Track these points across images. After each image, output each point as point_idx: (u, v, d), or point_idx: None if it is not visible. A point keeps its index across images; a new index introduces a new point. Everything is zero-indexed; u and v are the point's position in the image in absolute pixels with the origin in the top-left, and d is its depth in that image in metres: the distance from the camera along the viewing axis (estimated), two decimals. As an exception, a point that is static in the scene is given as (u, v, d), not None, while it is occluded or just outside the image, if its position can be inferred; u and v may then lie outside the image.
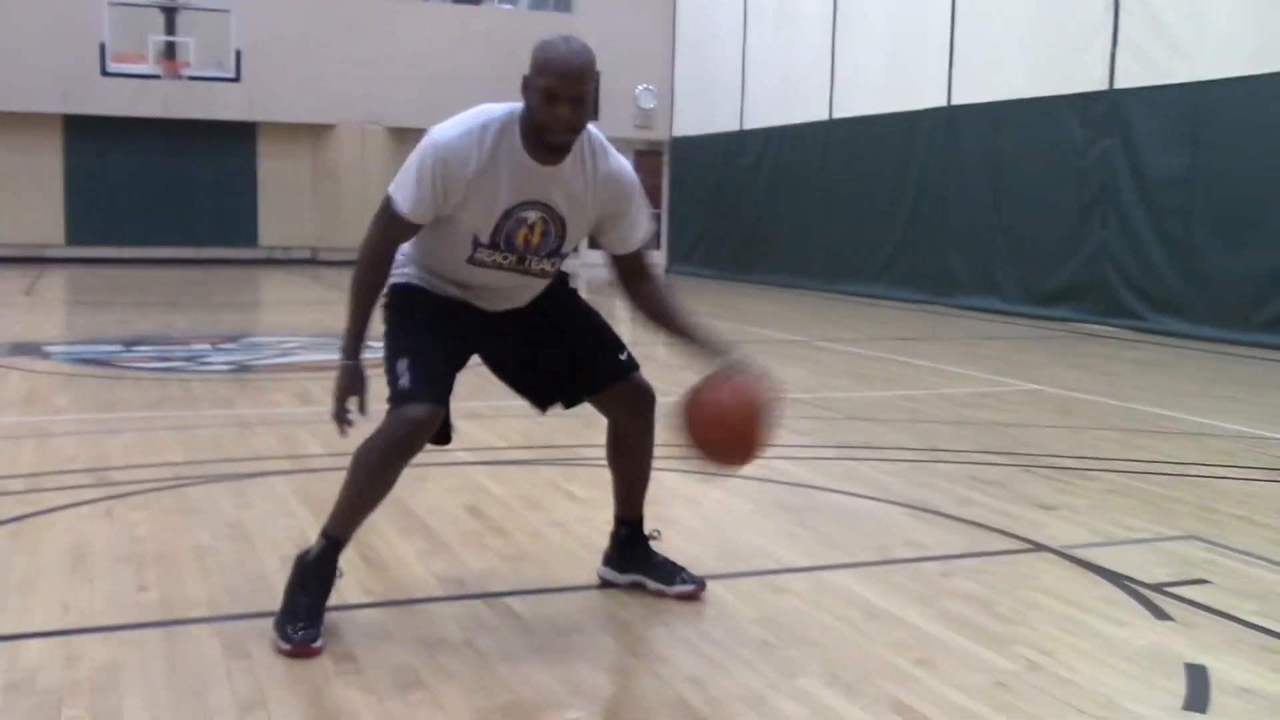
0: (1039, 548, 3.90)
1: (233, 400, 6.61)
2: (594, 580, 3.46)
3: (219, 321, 11.29)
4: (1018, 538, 4.02)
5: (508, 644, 2.95)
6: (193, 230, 20.45)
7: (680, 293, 3.29)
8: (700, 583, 3.33)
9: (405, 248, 3.11)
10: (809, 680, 2.75)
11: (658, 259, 20.93)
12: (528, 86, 2.89)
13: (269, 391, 6.90)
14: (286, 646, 2.88)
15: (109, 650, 2.86)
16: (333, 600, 3.16)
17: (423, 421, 2.98)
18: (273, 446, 5.28)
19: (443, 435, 3.09)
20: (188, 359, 8.32)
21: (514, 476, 4.79)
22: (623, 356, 3.27)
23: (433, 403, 3.00)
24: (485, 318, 3.18)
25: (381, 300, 3.12)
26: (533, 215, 2.98)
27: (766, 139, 18.01)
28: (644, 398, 3.28)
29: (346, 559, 3.38)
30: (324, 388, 7.09)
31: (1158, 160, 11.50)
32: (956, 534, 4.07)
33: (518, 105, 2.95)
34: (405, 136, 21.23)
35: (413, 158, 2.94)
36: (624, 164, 3.10)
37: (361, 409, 3.04)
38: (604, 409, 3.32)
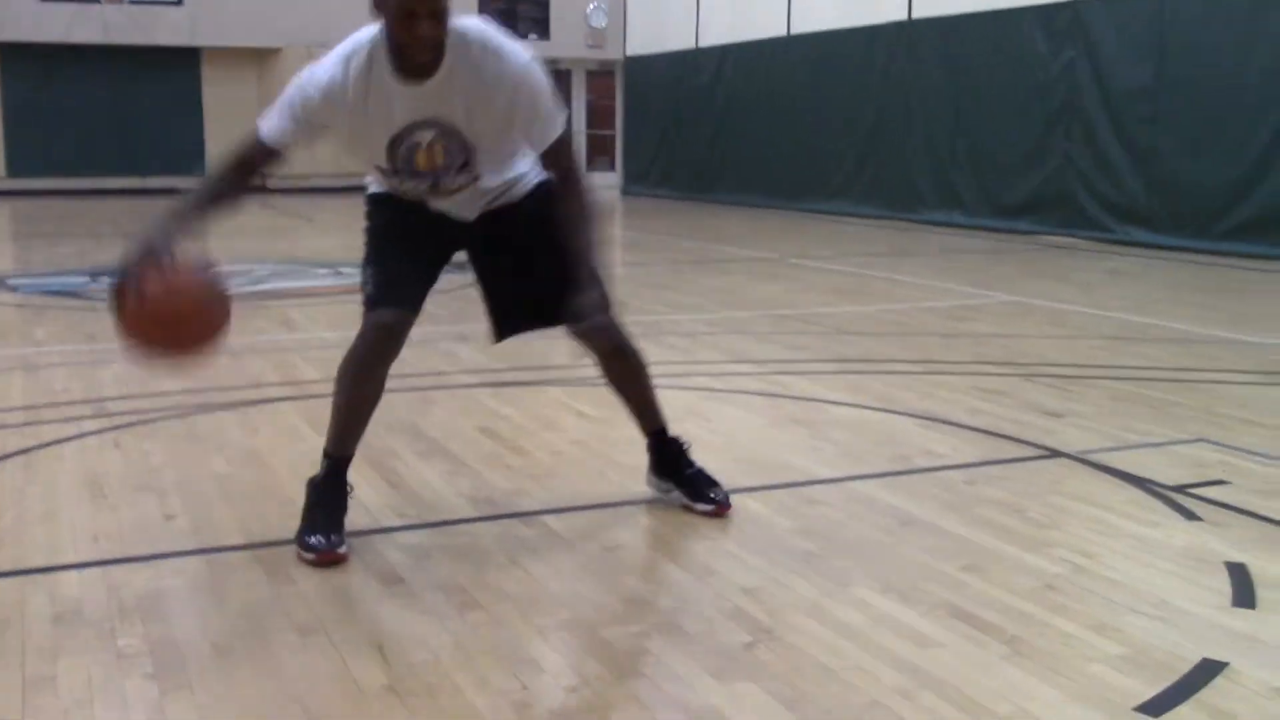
0: (1055, 454, 3.94)
1: (215, 329, 6.48)
2: (626, 496, 3.45)
3: (181, 251, 11.04)
4: (1033, 444, 4.05)
5: (554, 561, 2.94)
6: (138, 160, 20.02)
7: (593, 204, 3.03)
8: (726, 502, 3.30)
9: None
10: (862, 589, 2.75)
11: (612, 180, 20.76)
12: (381, 4, 2.72)
13: (251, 319, 6.77)
14: (310, 556, 2.91)
15: (150, 579, 2.81)
16: (368, 524, 3.14)
17: (389, 325, 3.00)
18: (268, 373, 5.19)
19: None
20: (159, 289, 8.14)
21: (520, 397, 4.75)
22: (594, 294, 2.94)
23: (397, 306, 3.00)
24: (461, 224, 3.11)
25: (364, 207, 3.16)
26: (426, 135, 2.85)
27: (723, 57, 17.82)
28: (610, 336, 3.13)
29: (372, 484, 3.35)
30: (307, 315, 7.03)
31: (1123, 70, 11.51)
32: (971, 443, 4.09)
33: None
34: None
35: (286, 90, 2.87)
36: (518, 61, 2.82)
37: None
38: (580, 342, 3.18)
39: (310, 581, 2.79)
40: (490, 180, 3.04)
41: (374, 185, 3.14)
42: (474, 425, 4.25)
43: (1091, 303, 7.60)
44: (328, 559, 2.88)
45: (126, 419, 4.33)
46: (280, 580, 2.80)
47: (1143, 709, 2.19)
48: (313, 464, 3.72)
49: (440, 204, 3.06)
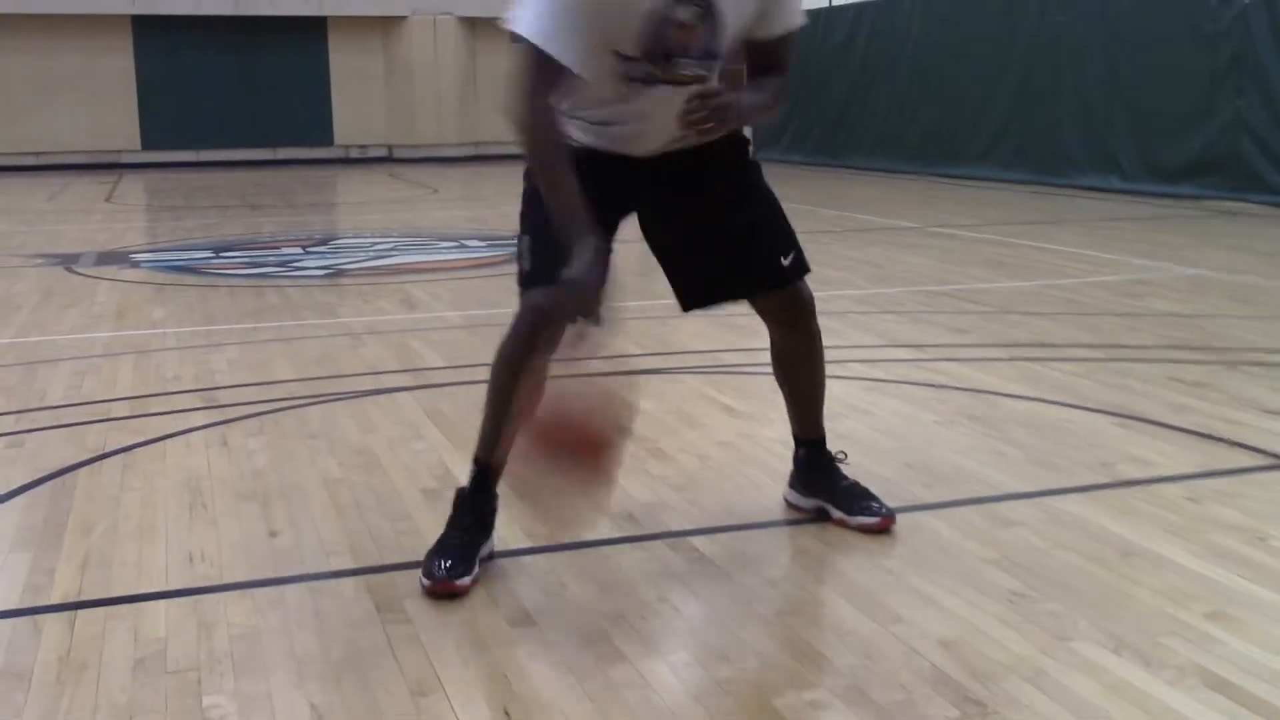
0: (1288, 463, 3.36)
1: (335, 308, 6.19)
2: (785, 513, 2.99)
3: (305, 223, 10.88)
4: (1258, 450, 3.47)
5: (709, 600, 2.50)
6: (267, 130, 20.07)
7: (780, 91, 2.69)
8: (888, 514, 2.85)
9: None
10: (1088, 644, 2.25)
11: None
12: None
13: (372, 298, 6.47)
14: (426, 583, 2.50)
15: (247, 613, 2.45)
16: (494, 546, 2.74)
17: (547, 308, 2.48)
18: (387, 359, 4.85)
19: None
20: (280, 264, 7.92)
21: (658, 388, 4.31)
22: (786, 260, 2.75)
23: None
24: (638, 171, 2.65)
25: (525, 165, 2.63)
26: (684, 13, 2.41)
27: (859, 14, 17.06)
28: (801, 310, 2.80)
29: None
30: (429, 292, 6.69)
31: (1304, 19, 10.55)
32: (1183, 447, 3.52)
33: None
34: (478, 27, 20.56)
35: None
36: None
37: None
38: (761, 315, 2.85)
39: (426, 620, 2.40)
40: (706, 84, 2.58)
41: None
42: (609, 421, 3.82)
43: (1282, 276, 6.87)
44: (442, 589, 2.47)
45: (236, 412, 4.01)
46: (393, 617, 2.41)
47: None
48: (432, 467, 3.37)
49: (653, 116, 2.54)
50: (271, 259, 8.16)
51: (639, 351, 4.85)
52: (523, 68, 2.37)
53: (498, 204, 12.37)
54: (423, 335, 5.32)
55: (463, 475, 2.82)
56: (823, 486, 2.94)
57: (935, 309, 5.91)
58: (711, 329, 4.94)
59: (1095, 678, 2.13)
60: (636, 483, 3.24)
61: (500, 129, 20.61)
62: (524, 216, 2.62)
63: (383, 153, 20.73)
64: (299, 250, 8.61)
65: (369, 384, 4.40)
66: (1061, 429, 3.73)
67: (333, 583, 2.60)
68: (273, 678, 2.17)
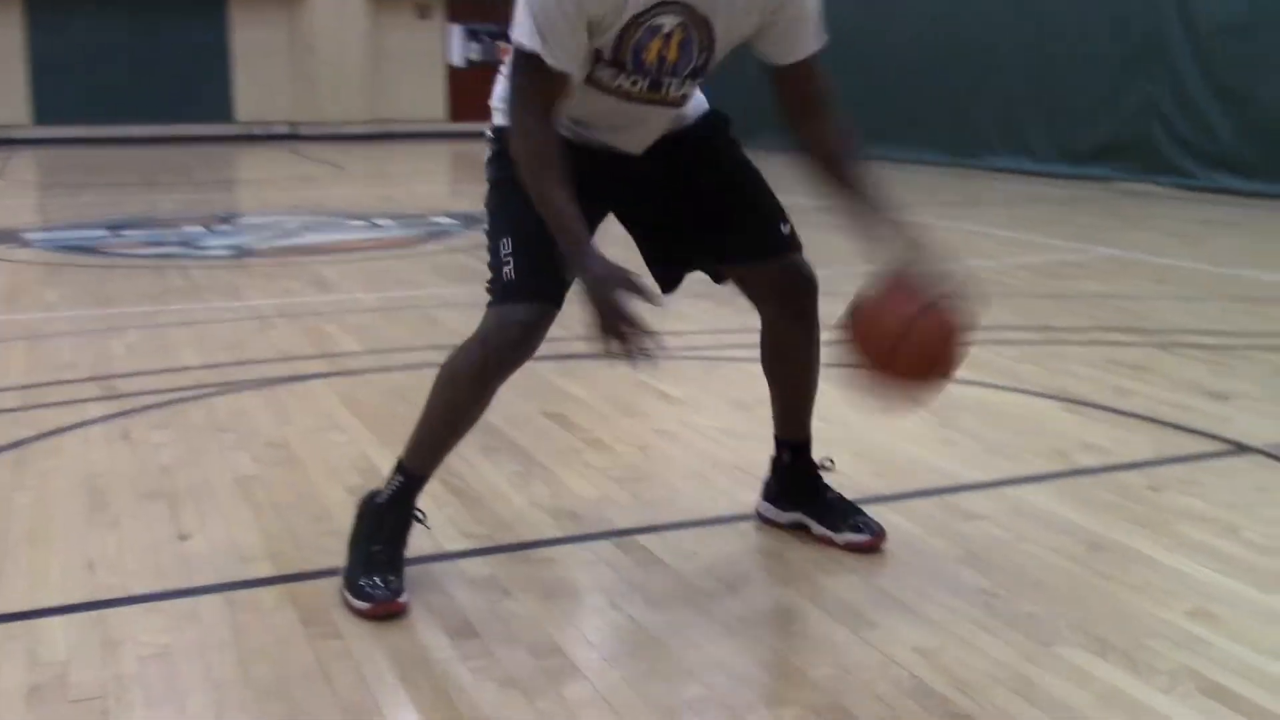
0: (1241, 448, 3.28)
1: (242, 290, 5.88)
2: (736, 507, 2.83)
3: (207, 201, 10.45)
4: (1209, 435, 3.39)
5: (665, 607, 2.32)
6: (166, 106, 19.32)
7: (861, 143, 2.52)
8: (878, 531, 2.60)
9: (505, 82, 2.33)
10: (1071, 649, 2.12)
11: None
12: None
13: (280, 279, 6.16)
14: (364, 606, 2.25)
15: (157, 629, 2.21)
16: (429, 547, 2.54)
17: (531, 325, 2.27)
18: (301, 344, 4.58)
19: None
20: (182, 243, 7.54)
21: (590, 374, 4.11)
22: (784, 229, 2.52)
23: (543, 300, 2.27)
24: (619, 162, 2.42)
25: (487, 150, 2.40)
26: (669, 22, 2.18)
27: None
28: (802, 286, 2.54)
29: (430, 491, 2.72)
30: (341, 272, 6.41)
31: (1213, 5, 10.65)
32: (1135, 433, 3.44)
33: None
34: (384, 3, 20.05)
35: None
36: None
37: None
38: (752, 296, 2.58)
39: (358, 635, 2.18)
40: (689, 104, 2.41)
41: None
42: (541, 410, 3.63)
43: (1201, 256, 6.88)
44: (385, 610, 2.24)
45: (138, 401, 3.73)
46: (320, 632, 2.19)
47: None
48: (354, 462, 3.15)
49: (628, 123, 2.36)
50: (173, 238, 7.77)
51: (567, 335, 4.63)
52: (519, 77, 2.19)
53: (406, 182, 12.05)
54: (337, 318, 5.05)
55: (387, 470, 2.59)
56: (804, 499, 2.67)
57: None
58: (643, 312, 4.75)
59: (1085, 686, 1.99)
60: (575, 475, 3.05)
61: (406, 106, 20.19)
62: (503, 211, 2.34)
63: (285, 129, 20.13)
64: (202, 229, 8.23)
65: (281, 370, 4.14)
66: (1009, 415, 3.63)
67: (251, 592, 2.37)
68: (188, 704, 1.94)
